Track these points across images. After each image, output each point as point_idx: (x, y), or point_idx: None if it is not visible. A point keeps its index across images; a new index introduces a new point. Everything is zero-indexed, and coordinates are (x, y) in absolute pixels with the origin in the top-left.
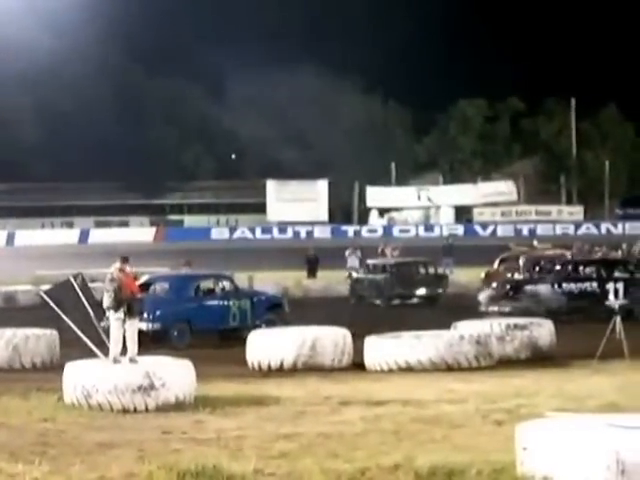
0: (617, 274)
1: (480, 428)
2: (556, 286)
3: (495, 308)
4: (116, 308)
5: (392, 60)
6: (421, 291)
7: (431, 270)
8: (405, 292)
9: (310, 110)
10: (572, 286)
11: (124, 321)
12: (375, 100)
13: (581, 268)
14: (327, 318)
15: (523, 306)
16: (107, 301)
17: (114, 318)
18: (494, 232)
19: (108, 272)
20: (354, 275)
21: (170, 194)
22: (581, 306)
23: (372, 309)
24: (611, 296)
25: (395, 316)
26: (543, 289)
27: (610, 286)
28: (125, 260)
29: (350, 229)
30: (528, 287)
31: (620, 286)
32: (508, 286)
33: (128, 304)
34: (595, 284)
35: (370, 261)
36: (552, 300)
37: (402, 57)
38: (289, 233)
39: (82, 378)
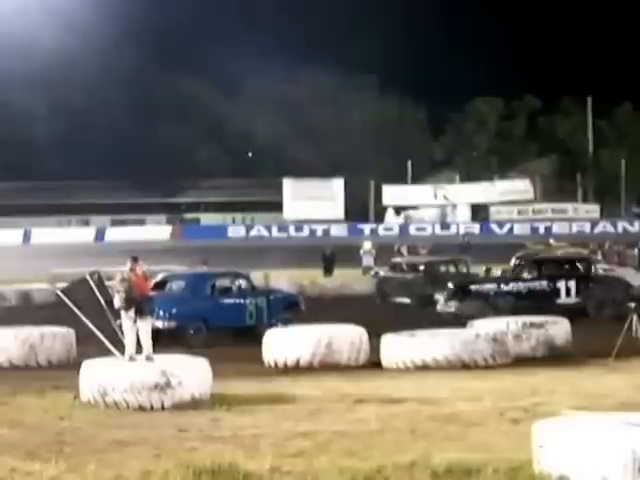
0: (570, 273)
1: (496, 426)
2: (502, 285)
3: (445, 308)
4: (127, 308)
5: (408, 58)
6: None
7: (463, 269)
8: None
9: (326, 109)
10: (520, 285)
11: (135, 321)
12: (391, 98)
13: (534, 267)
14: (344, 316)
15: (468, 306)
16: (118, 301)
17: (125, 317)
18: (510, 230)
19: (119, 272)
20: (381, 274)
21: (186, 192)
22: (529, 305)
23: (391, 307)
24: (563, 295)
25: (412, 314)
26: (489, 288)
27: (561, 285)
28: (135, 260)
29: (366, 227)
30: (474, 287)
31: (572, 285)
32: (454, 286)
33: (138, 304)
34: (545, 283)
35: (398, 259)
36: (498, 300)
37: (418, 55)
38: (305, 231)
39: (98, 376)
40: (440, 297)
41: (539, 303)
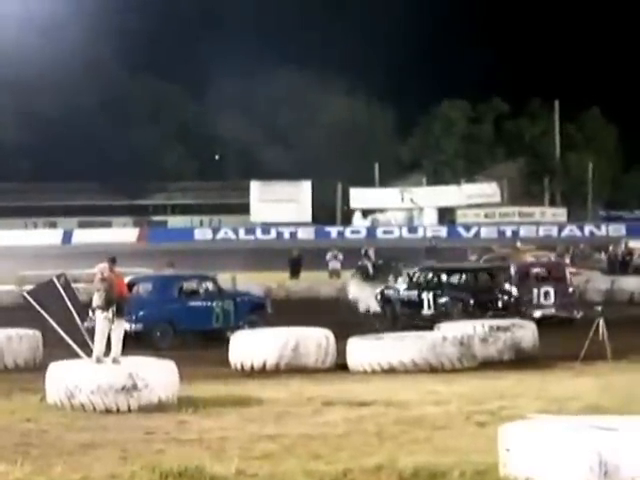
0: (433, 283)
1: (463, 429)
2: (397, 293)
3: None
4: (105, 308)
5: (376, 61)
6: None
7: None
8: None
9: (293, 111)
10: (404, 294)
11: (112, 321)
12: (359, 101)
13: (417, 275)
14: (311, 319)
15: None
16: (97, 300)
17: (102, 317)
18: (477, 234)
19: (97, 272)
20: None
21: (153, 195)
22: (406, 314)
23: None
24: (425, 306)
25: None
26: (391, 294)
27: (424, 296)
28: (113, 261)
29: (333, 230)
30: (386, 292)
31: (430, 296)
32: (379, 292)
33: (117, 304)
34: (415, 293)
35: (440, 265)
36: (395, 306)
37: (386, 58)
38: (272, 234)
39: (65, 378)
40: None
41: (411, 313)
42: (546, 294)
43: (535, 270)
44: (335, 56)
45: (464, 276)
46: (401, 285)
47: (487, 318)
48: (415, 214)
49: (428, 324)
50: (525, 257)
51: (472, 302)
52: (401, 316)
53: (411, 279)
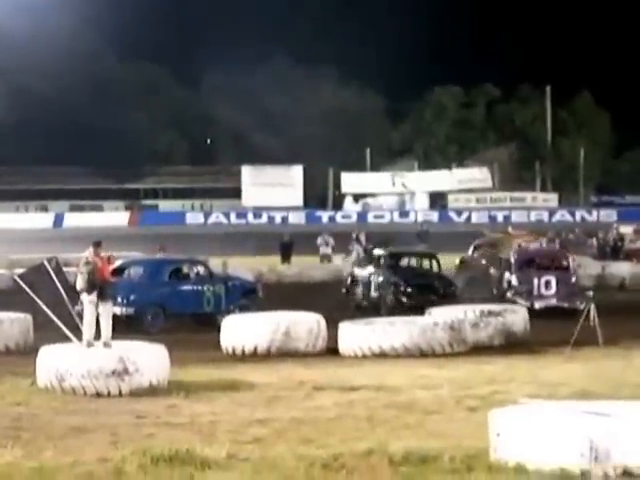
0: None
1: (453, 414)
2: (359, 275)
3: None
4: (89, 291)
5: (368, 47)
6: None
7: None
8: None
9: (286, 96)
10: (362, 275)
11: (97, 305)
12: (351, 86)
13: (374, 258)
14: (302, 303)
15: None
16: (80, 283)
17: (87, 301)
18: (469, 218)
19: (83, 256)
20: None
21: (145, 179)
22: (377, 297)
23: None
24: (372, 288)
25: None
26: (356, 277)
27: (372, 278)
28: (98, 244)
29: (325, 215)
30: (354, 274)
31: (375, 278)
32: (348, 274)
33: (100, 288)
34: (367, 275)
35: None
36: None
37: (378, 44)
38: (264, 218)
39: (56, 362)
40: None
41: (380, 296)
42: (547, 284)
43: (536, 258)
44: (328, 42)
45: (406, 261)
46: (369, 268)
47: (422, 304)
48: (406, 199)
49: (373, 306)
50: (516, 242)
51: (403, 286)
52: (363, 298)
53: (374, 261)
